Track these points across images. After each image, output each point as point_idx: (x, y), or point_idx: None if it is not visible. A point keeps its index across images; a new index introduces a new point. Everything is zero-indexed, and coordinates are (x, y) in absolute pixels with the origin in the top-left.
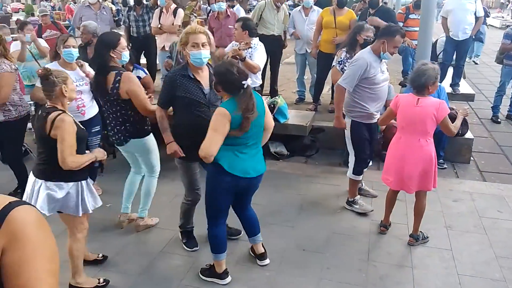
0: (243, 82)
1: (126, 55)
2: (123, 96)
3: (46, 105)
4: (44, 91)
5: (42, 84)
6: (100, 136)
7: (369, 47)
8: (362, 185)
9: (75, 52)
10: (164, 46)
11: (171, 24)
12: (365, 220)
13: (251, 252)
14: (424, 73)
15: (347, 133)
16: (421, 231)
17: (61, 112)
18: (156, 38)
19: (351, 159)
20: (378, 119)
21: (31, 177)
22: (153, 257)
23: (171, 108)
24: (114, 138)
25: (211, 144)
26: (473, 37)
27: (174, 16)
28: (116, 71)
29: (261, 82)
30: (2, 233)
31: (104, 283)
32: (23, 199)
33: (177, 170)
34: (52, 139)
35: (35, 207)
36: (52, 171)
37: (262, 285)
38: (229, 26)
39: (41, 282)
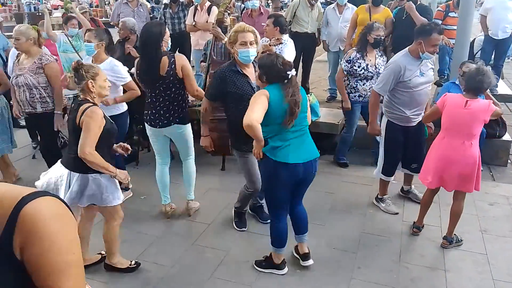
0: (288, 72)
1: (169, 44)
2: (178, 75)
3: (79, 97)
4: (76, 83)
5: (74, 76)
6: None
7: (406, 48)
8: (411, 187)
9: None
10: (198, 44)
11: (205, 21)
12: (397, 221)
13: (294, 253)
14: (487, 76)
15: (383, 132)
16: (455, 234)
17: (92, 104)
18: (190, 35)
19: (380, 158)
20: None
21: (61, 169)
22: (185, 249)
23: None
24: (160, 120)
25: (252, 111)
26: None
27: (208, 14)
28: (167, 55)
29: None
30: (18, 231)
31: (135, 265)
32: (46, 188)
33: (209, 164)
34: (80, 129)
35: (53, 195)
36: (74, 161)
37: (293, 283)
38: (262, 24)
39: (63, 274)
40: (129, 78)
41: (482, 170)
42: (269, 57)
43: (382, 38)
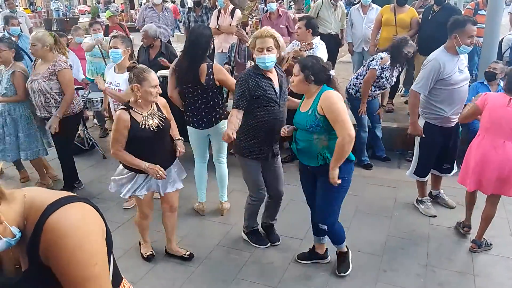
0: (329, 73)
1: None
2: (217, 84)
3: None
4: (129, 81)
5: (129, 76)
6: None
7: (442, 46)
8: (440, 192)
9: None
10: (221, 47)
11: (228, 25)
12: (424, 225)
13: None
14: None
15: None
16: (484, 238)
17: (123, 108)
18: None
19: (415, 159)
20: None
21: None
22: (210, 250)
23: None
24: (203, 122)
25: (349, 123)
26: None
27: (232, 17)
28: (206, 63)
29: None
30: (42, 242)
31: (147, 256)
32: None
33: (232, 166)
34: None
35: (78, 199)
36: None
37: (318, 285)
38: (281, 26)
39: (83, 286)
40: None
41: None
42: (309, 58)
43: (410, 55)
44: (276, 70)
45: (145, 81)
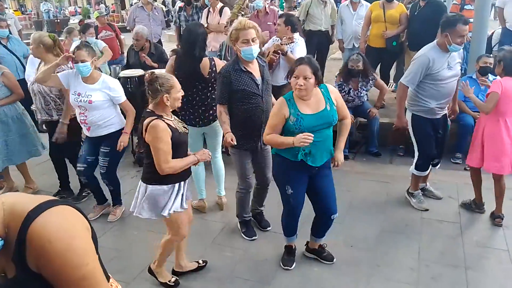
0: None
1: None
2: None
3: (147, 107)
4: (149, 94)
5: (147, 87)
6: (108, 158)
7: (434, 42)
8: (426, 185)
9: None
10: (210, 46)
11: (217, 23)
12: (417, 219)
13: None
14: None
15: (410, 127)
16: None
17: (155, 117)
18: None
19: (416, 154)
20: (482, 106)
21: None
22: (203, 248)
23: None
24: (200, 119)
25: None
26: None
27: (220, 15)
28: (208, 57)
29: None
30: (29, 250)
31: (174, 284)
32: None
33: (225, 164)
34: (147, 143)
35: (60, 203)
36: (151, 174)
37: (311, 280)
38: (268, 23)
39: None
40: (124, 97)
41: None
42: (313, 60)
43: (360, 68)
44: (257, 61)
45: (173, 88)
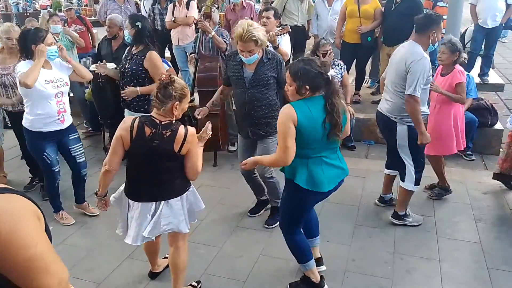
0: (328, 74)
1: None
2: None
3: (155, 119)
4: (157, 98)
5: (160, 92)
6: (81, 143)
7: (413, 41)
8: (392, 194)
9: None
10: (177, 40)
11: (184, 16)
12: (391, 213)
13: None
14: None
15: (403, 142)
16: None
17: (180, 124)
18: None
19: (410, 170)
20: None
21: (137, 205)
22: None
23: None
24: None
25: (283, 151)
26: (503, 25)
27: (187, 9)
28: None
29: None
30: None
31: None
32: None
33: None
34: (179, 156)
35: (8, 191)
36: (175, 187)
37: (287, 275)
38: (246, 18)
39: (33, 270)
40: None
41: (474, 160)
42: (300, 64)
43: (330, 52)
44: (264, 57)
45: (185, 98)
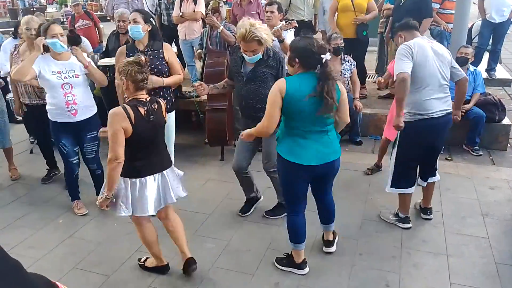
0: (322, 56)
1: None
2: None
3: (140, 99)
4: (144, 80)
5: (142, 70)
6: (96, 142)
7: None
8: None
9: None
10: (185, 35)
11: (192, 11)
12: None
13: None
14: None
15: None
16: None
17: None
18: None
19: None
20: None
21: (149, 178)
22: (186, 239)
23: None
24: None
25: (266, 119)
26: (511, 20)
27: (195, 4)
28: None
29: None
30: None
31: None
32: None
33: (208, 155)
34: (165, 123)
35: None
36: (168, 154)
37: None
38: (252, 12)
39: None
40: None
41: (481, 155)
42: (303, 40)
43: (341, 46)
44: (265, 54)
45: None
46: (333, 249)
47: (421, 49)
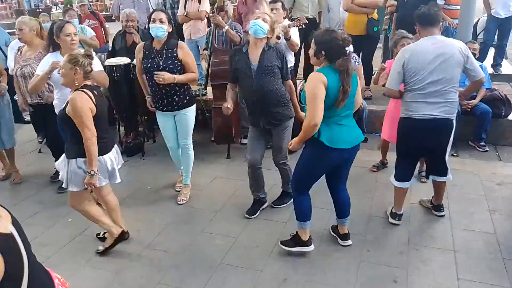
0: (346, 48)
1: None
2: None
3: (88, 84)
4: (90, 70)
5: (86, 64)
6: None
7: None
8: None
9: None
10: (190, 34)
11: (196, 10)
12: (405, 204)
13: (332, 232)
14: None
15: (451, 137)
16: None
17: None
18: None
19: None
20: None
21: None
22: (194, 236)
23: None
24: (165, 104)
25: (316, 110)
26: None
27: (200, 2)
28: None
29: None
30: None
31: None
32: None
33: (215, 153)
34: None
35: None
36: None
37: (303, 266)
38: (256, 10)
39: None
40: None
41: (487, 151)
42: (328, 33)
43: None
44: (265, 45)
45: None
46: (350, 242)
47: (416, 55)
